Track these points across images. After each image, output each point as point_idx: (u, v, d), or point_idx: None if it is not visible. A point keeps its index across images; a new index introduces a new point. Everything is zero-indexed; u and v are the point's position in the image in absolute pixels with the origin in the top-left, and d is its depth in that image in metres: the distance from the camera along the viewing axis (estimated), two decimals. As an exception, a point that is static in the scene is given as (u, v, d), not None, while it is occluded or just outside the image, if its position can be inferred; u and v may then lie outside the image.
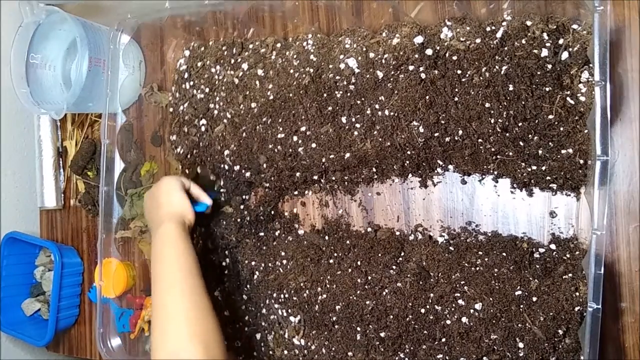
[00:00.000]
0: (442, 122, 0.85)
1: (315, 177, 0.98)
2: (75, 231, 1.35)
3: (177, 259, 0.84)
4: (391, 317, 0.88)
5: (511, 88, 0.79)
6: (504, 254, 0.86)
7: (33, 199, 1.37)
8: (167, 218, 0.90)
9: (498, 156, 0.85)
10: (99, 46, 1.10)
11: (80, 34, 1.07)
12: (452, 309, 0.84)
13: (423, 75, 0.83)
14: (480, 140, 0.84)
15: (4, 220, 1.32)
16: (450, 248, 0.90)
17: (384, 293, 0.89)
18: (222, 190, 1.10)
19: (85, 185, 1.31)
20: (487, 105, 0.81)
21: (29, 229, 1.38)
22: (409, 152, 0.89)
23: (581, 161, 0.79)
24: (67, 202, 1.36)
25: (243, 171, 1.02)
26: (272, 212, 1.09)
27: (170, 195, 0.94)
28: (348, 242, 0.98)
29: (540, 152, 0.81)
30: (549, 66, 0.78)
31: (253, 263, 1.03)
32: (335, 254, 0.97)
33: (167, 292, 0.80)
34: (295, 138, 0.95)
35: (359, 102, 0.89)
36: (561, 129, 0.79)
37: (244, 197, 1.10)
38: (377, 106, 0.88)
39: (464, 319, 0.83)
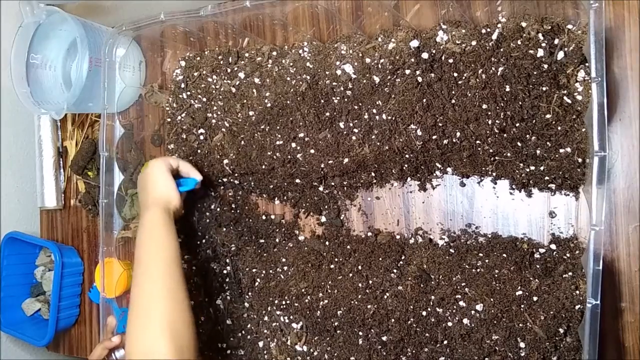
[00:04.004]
0: (440, 124, 0.87)
1: (315, 183, 1.01)
2: (76, 231, 1.39)
3: (158, 248, 0.86)
4: (393, 320, 0.90)
5: (508, 89, 0.81)
6: (505, 255, 0.88)
7: (33, 199, 1.41)
8: (152, 203, 0.93)
9: (496, 157, 0.88)
10: (99, 46, 1.13)
11: (81, 34, 1.10)
12: (454, 311, 0.87)
13: (420, 79, 0.85)
14: (478, 141, 0.87)
15: (4, 220, 1.35)
16: (451, 250, 0.93)
17: (385, 297, 0.92)
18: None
19: (86, 185, 1.35)
20: (484, 106, 0.83)
21: (29, 229, 1.42)
22: (407, 156, 0.91)
23: (579, 160, 0.81)
24: (67, 202, 1.40)
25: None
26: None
27: (155, 178, 0.96)
28: (348, 247, 1.00)
29: (538, 152, 0.84)
30: (545, 66, 0.80)
31: (254, 270, 1.06)
32: (336, 259, 0.99)
33: (146, 282, 0.82)
34: (293, 145, 0.97)
35: (356, 107, 0.91)
36: (559, 128, 0.81)
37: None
38: (374, 111, 0.90)
39: (466, 321, 0.85)
